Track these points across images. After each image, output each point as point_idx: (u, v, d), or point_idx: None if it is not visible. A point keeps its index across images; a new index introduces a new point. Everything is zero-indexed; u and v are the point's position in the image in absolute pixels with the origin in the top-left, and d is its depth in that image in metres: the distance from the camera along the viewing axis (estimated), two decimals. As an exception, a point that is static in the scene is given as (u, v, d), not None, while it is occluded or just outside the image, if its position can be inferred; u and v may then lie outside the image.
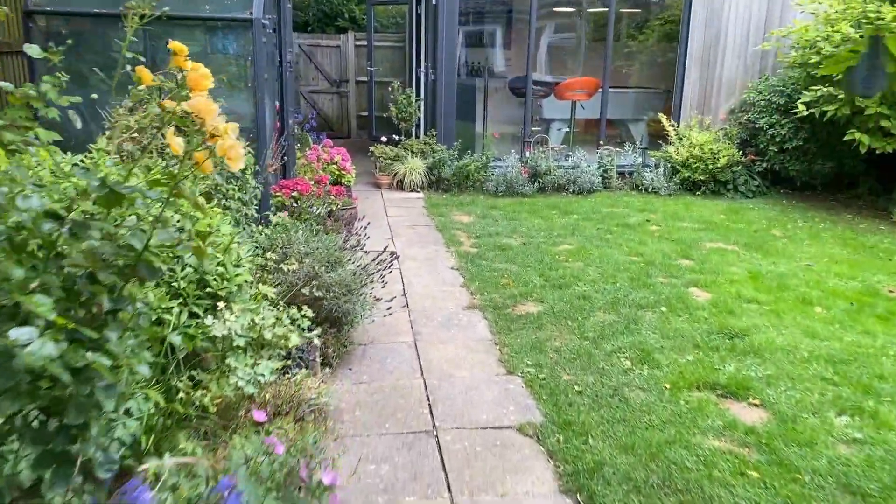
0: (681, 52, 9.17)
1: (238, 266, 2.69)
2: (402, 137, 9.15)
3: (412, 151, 8.83)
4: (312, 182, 5.32)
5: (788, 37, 8.30)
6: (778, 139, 8.52)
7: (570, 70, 12.47)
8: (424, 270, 5.38)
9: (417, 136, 9.76)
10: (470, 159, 8.54)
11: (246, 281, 2.62)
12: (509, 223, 6.97)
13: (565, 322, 4.34)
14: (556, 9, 11.81)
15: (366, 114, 12.63)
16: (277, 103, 6.61)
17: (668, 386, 3.50)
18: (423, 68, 9.69)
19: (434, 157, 8.52)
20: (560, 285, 5.02)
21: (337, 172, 6.73)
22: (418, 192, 8.57)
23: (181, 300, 2.46)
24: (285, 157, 6.24)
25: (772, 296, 4.88)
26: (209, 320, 2.35)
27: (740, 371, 3.69)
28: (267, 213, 4.92)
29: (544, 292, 4.87)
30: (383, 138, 9.13)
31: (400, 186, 8.67)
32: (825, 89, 7.04)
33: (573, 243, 6.23)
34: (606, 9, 9.91)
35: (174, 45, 2.24)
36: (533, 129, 9.54)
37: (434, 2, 8.78)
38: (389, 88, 9.30)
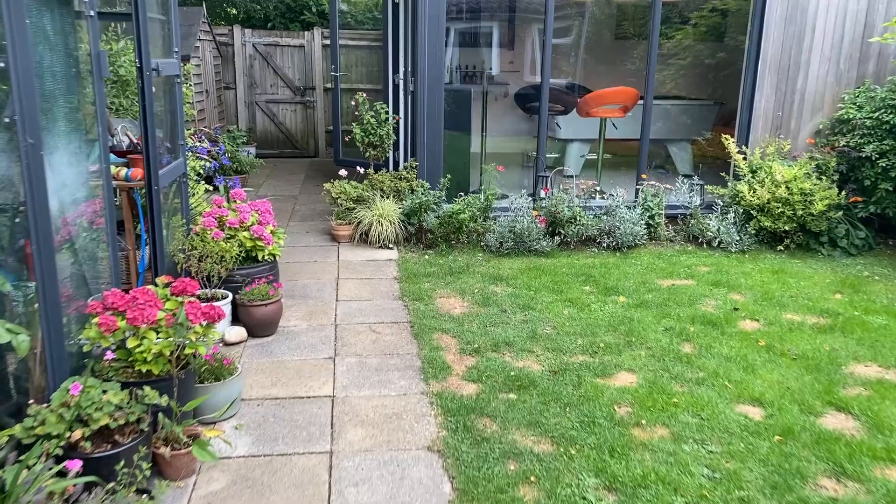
0: (750, 55, 6.71)
1: None
2: (371, 170, 6.66)
3: (382, 190, 6.34)
4: (166, 304, 2.82)
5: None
6: (893, 174, 6.07)
7: (586, 76, 10.00)
8: (377, 459, 2.88)
9: (396, 167, 7.28)
10: (463, 203, 6.05)
11: None
12: (524, 316, 4.48)
13: None
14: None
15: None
16: (132, 139, 4.13)
17: None
18: (401, 75, 7.22)
19: (413, 200, 6.03)
20: (642, 512, 2.54)
21: (251, 244, 4.22)
22: (390, 248, 6.08)
23: None
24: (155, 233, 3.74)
25: None
26: None
27: None
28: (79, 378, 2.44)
29: (615, 541, 2.39)
30: (342, 171, 6.61)
31: (365, 239, 6.18)
32: None
33: (635, 368, 3.74)
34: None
35: None
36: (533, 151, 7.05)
37: (413, -16, 6.33)
38: (353, 102, 6.81)
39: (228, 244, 4.09)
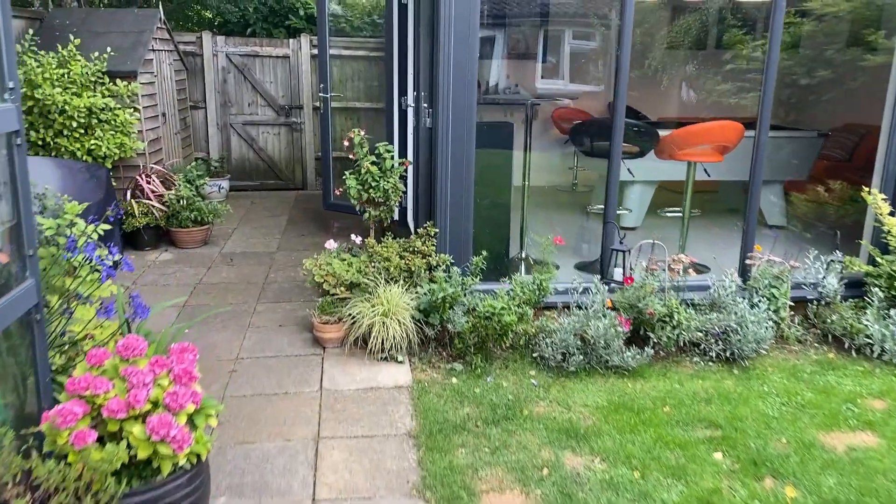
0: (900, 73, 4.78)
1: None
2: (371, 237, 4.71)
3: (388, 270, 4.38)
4: None
5: None
6: None
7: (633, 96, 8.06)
8: None
9: (403, 216, 5.35)
10: (507, 297, 4.09)
11: None
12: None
13: None
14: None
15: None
16: None
17: None
18: (410, 100, 5.29)
19: (434, 293, 4.07)
20: None
21: (147, 450, 2.27)
22: (399, 360, 4.13)
23: None
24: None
25: None
26: None
27: None
28: None
29: None
30: (329, 244, 4.62)
31: (362, 345, 4.23)
32: None
33: None
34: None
35: None
36: (597, 207, 5.01)
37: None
38: (346, 142, 4.84)
39: (106, 453, 2.13)
